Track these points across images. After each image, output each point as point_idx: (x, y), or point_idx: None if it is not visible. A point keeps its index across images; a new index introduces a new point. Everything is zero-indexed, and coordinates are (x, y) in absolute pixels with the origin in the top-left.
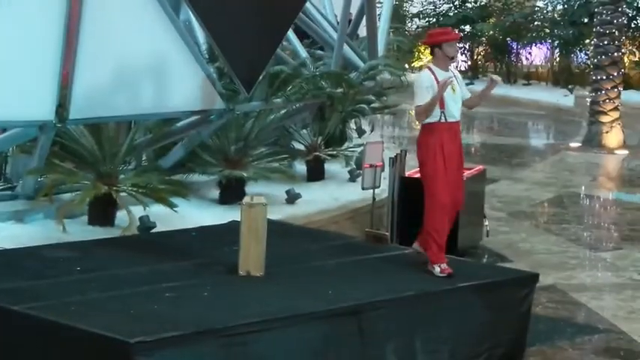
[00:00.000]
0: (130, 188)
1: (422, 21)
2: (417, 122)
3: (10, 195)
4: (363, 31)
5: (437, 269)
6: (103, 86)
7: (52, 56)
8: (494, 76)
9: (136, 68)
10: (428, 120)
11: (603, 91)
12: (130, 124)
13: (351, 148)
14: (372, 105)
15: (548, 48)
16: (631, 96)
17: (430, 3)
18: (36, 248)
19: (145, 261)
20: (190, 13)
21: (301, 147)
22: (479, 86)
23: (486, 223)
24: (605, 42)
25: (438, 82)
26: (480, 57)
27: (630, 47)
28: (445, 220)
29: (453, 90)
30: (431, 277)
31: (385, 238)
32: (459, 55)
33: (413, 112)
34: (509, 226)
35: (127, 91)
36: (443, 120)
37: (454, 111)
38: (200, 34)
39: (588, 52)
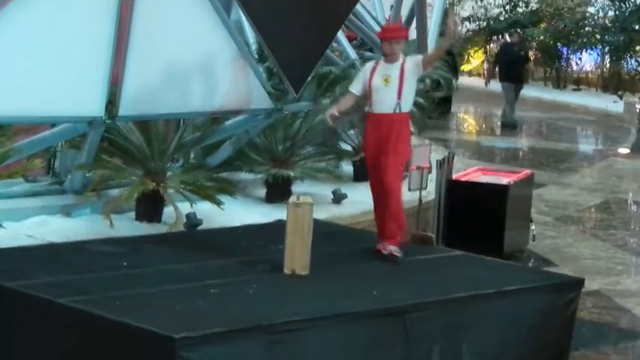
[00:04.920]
0: (177, 185)
1: (472, 24)
2: None
3: (58, 189)
4: (413, 33)
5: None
6: (152, 84)
7: (103, 53)
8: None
9: (186, 67)
10: (366, 109)
11: None
12: (179, 122)
13: None
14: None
15: (598, 54)
16: None
17: (481, 7)
18: (83, 243)
19: (191, 258)
20: (241, 13)
21: (348, 147)
22: (527, 91)
23: (533, 227)
24: None
25: (373, 74)
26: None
27: None
28: (376, 204)
29: (386, 82)
30: (476, 281)
31: (431, 239)
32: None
33: None
34: (555, 231)
35: (176, 90)
36: (370, 111)
37: (383, 103)
38: (250, 34)
39: (639, 59)
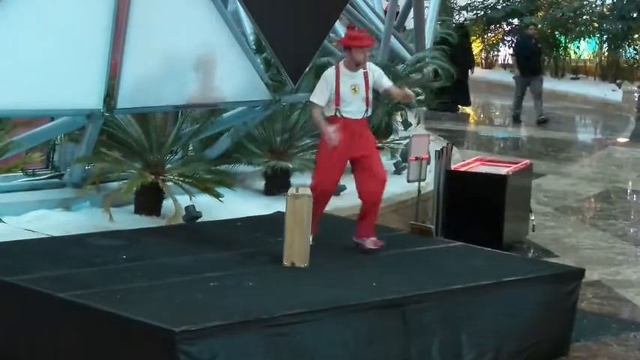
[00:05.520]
0: (176, 178)
1: (470, 14)
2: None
3: (57, 183)
4: (410, 23)
5: None
6: (150, 76)
7: (101, 46)
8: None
9: (184, 59)
10: (328, 112)
11: None
12: (177, 114)
13: (396, 140)
14: (419, 97)
15: (596, 42)
16: None
17: None
18: (82, 236)
19: (191, 250)
20: (238, 3)
21: None
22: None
23: (532, 217)
24: None
25: (338, 82)
26: None
27: None
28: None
29: (355, 91)
30: (476, 272)
31: (430, 231)
32: (505, 49)
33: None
34: (555, 221)
35: (174, 81)
36: (338, 115)
37: (353, 111)
38: (248, 25)
39: (637, 47)
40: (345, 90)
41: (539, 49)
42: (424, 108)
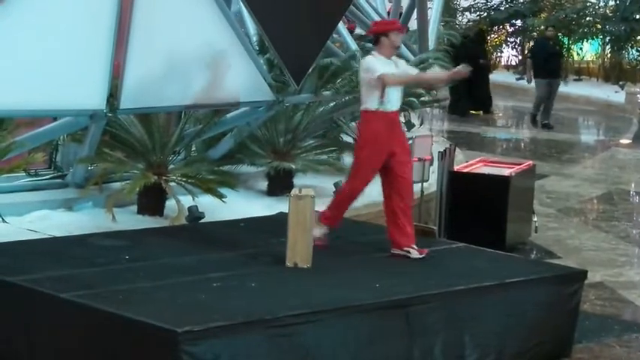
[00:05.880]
0: (179, 178)
1: (473, 15)
2: (387, 83)
3: (60, 183)
4: (413, 24)
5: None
6: (153, 76)
7: (104, 46)
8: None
9: (187, 59)
10: (366, 107)
11: None
12: (180, 114)
13: None
14: (422, 98)
15: (599, 44)
16: None
17: None
18: (85, 236)
19: (193, 251)
20: (241, 4)
21: (350, 139)
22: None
23: (535, 219)
24: None
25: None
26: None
27: None
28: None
29: None
30: (478, 273)
31: (433, 232)
32: (509, 49)
33: (382, 80)
34: (558, 223)
35: (177, 82)
36: (381, 109)
37: (394, 100)
38: (251, 26)
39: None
40: None
41: (557, 51)
42: (427, 109)
